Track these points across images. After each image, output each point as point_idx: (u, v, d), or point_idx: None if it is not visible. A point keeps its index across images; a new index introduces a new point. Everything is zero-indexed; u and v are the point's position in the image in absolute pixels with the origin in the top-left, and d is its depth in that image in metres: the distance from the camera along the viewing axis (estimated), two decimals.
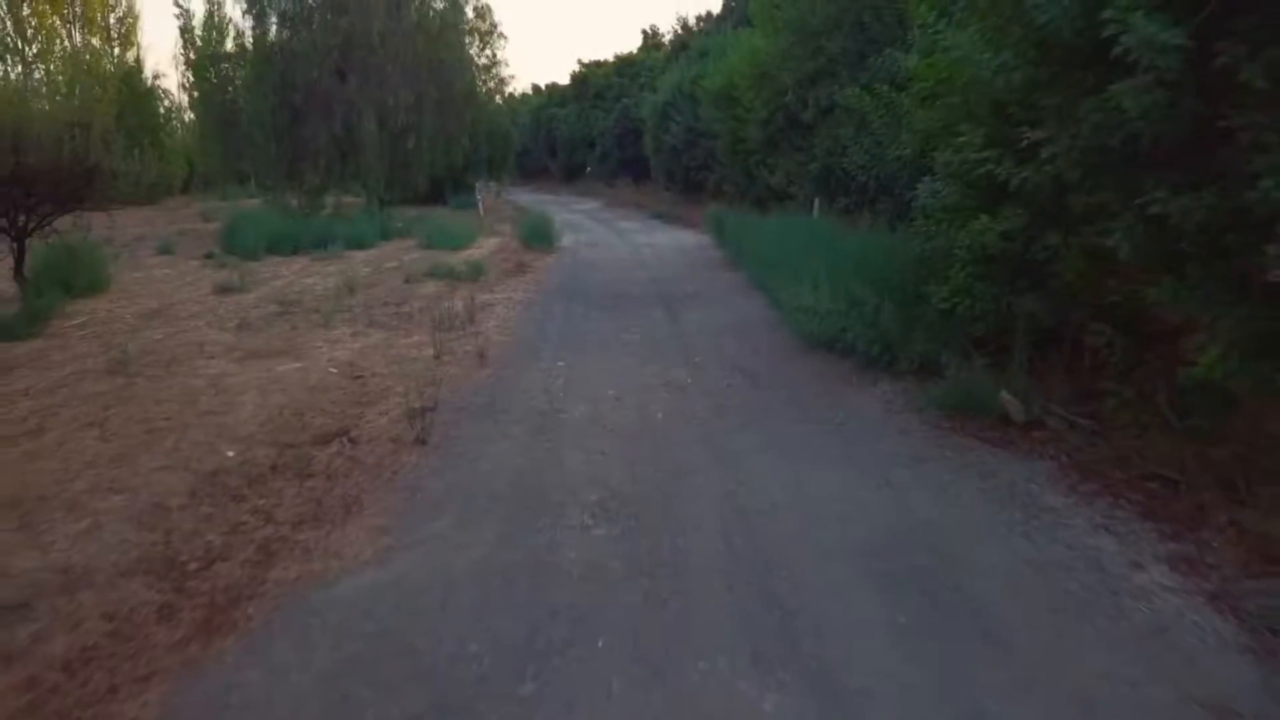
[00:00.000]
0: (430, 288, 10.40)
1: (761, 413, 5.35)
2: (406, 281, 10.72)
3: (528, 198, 37.08)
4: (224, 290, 10.19)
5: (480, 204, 26.17)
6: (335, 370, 6.21)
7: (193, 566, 3.20)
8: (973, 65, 4.09)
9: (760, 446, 4.68)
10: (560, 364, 6.70)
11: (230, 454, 4.38)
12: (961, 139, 4.38)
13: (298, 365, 6.28)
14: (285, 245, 14.99)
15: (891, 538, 3.51)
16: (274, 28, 19.80)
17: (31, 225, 9.47)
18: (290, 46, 19.16)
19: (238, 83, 20.68)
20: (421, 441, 4.73)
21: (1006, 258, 5.31)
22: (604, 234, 19.43)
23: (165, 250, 15.35)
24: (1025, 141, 3.68)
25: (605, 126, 36.55)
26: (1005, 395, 5.06)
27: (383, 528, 3.61)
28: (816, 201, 14.86)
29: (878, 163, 9.97)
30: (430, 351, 6.88)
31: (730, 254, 13.93)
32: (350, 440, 4.75)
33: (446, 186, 29.05)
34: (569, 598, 3.02)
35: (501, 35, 29.26)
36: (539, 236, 15.78)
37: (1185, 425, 4.12)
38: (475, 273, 11.29)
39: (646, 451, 4.62)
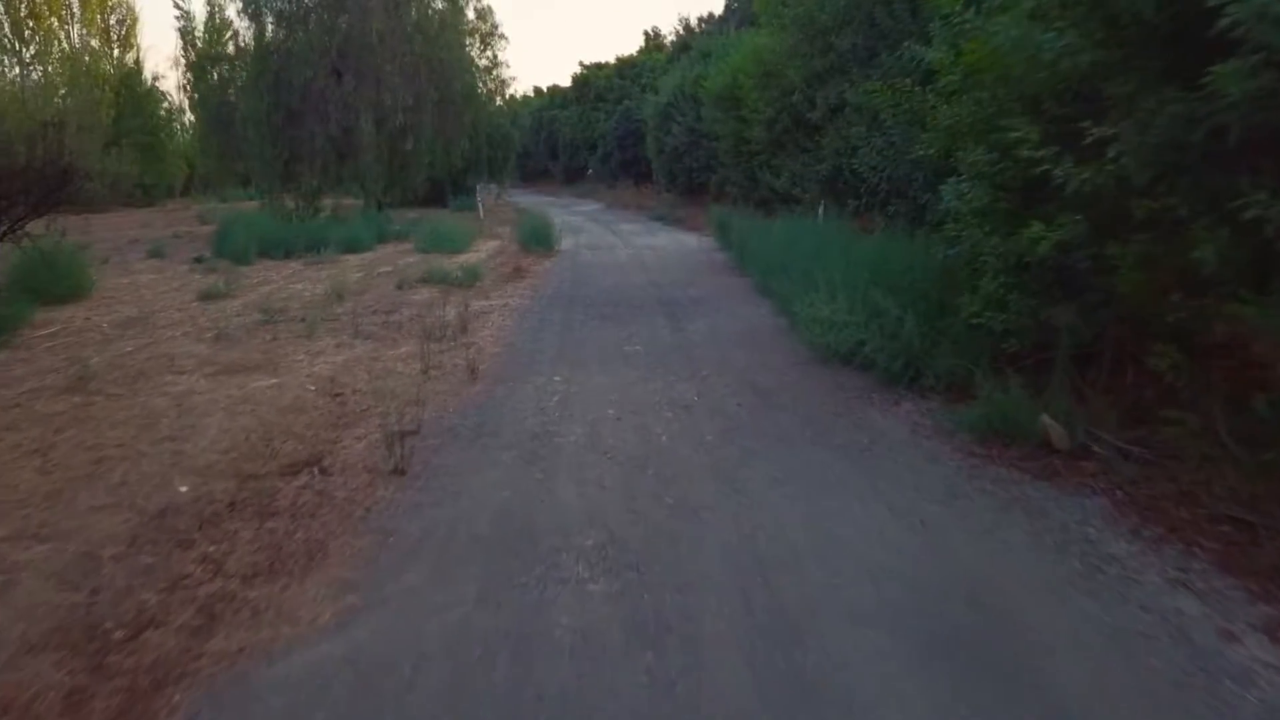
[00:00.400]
0: (423, 294, 9.94)
1: (776, 436, 4.87)
2: (399, 288, 10.25)
3: (529, 200, 36.69)
4: (208, 297, 9.74)
5: (480, 206, 25.71)
6: (313, 388, 5.74)
7: (118, 636, 2.73)
8: (1026, 51, 3.61)
9: (777, 478, 4.20)
10: (556, 379, 6.23)
11: (184, 489, 3.91)
12: (1014, 134, 3.89)
13: (273, 382, 5.81)
14: (278, 249, 14.58)
15: (934, 596, 3.03)
16: (270, 27, 19.36)
17: (2, 229, 9.01)
18: (286, 46, 18.73)
19: (236, 84, 20.20)
20: (400, 472, 4.25)
21: (1044, 267, 4.84)
22: (605, 236, 18.97)
23: (156, 254, 14.92)
24: (1089, 138, 3.20)
25: (606, 128, 36.21)
26: (1046, 419, 4.58)
27: (348, 582, 3.13)
28: (822, 204, 14.42)
29: (890, 163, 9.50)
30: (418, 365, 6.41)
31: (734, 257, 13.46)
32: (321, 470, 4.28)
33: (447, 188, 28.63)
34: (559, 678, 2.54)
35: (502, 36, 28.82)
36: (538, 239, 15.32)
37: (1259, 460, 3.65)
38: (471, 278, 10.83)
39: (650, 483, 4.14)
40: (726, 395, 5.75)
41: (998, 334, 5.13)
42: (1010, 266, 5.06)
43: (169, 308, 9.20)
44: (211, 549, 3.37)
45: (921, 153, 6.00)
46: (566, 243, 16.89)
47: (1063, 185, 3.56)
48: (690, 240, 17.84)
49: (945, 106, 5.75)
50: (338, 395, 5.62)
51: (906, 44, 7.34)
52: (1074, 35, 3.18)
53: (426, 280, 10.77)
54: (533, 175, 49.03)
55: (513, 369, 6.55)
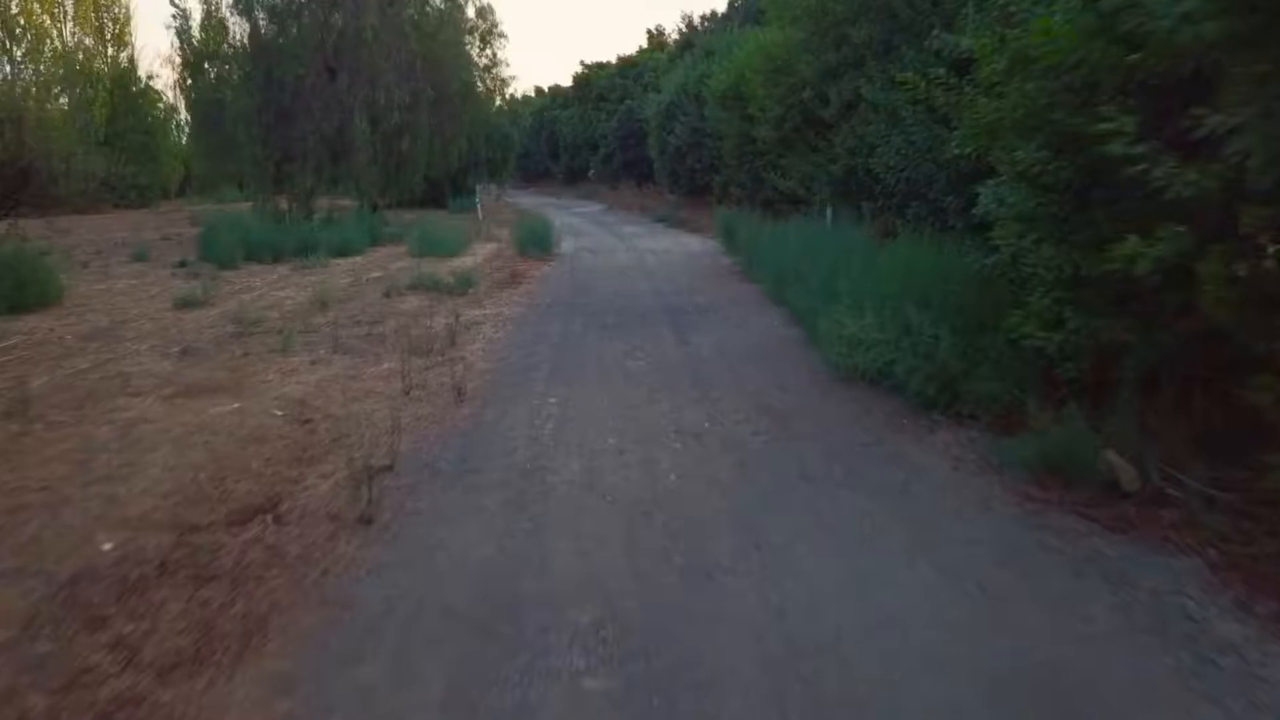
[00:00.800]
0: (412, 302, 9.35)
1: (800, 473, 4.28)
2: (386, 295, 9.66)
3: (529, 200, 36.14)
4: (185, 305, 9.15)
5: (479, 208, 25.12)
6: (280, 413, 5.15)
7: None
8: (1122, 25, 3.02)
9: (805, 528, 3.61)
10: (552, 400, 5.64)
11: (108, 545, 3.32)
12: (1103, 126, 3.29)
13: (236, 406, 5.22)
14: (266, 253, 13.99)
15: (1009, 698, 2.44)
16: (263, 24, 18.72)
17: None
18: (277, 43, 18.11)
19: (229, 82, 19.54)
20: (367, 521, 3.66)
21: (1106, 281, 4.25)
22: (606, 239, 18.40)
23: (140, 257, 14.34)
24: (1203, 130, 2.61)
25: (608, 128, 35.66)
26: (1111, 456, 3.98)
27: (286, 678, 2.54)
28: (830, 207, 13.83)
29: (909, 163, 8.90)
30: (400, 385, 5.82)
31: (742, 262, 12.88)
32: (276, 518, 3.69)
33: (446, 189, 28.06)
34: None
35: (502, 35, 28.21)
36: (536, 242, 14.72)
37: None
38: (464, 284, 10.23)
39: (657, 536, 3.55)
40: (740, 421, 5.16)
41: (1050, 356, 4.54)
42: (1064, 280, 4.47)
43: (141, 317, 8.62)
44: (128, 629, 2.78)
45: (957, 150, 5.40)
46: (566, 245, 16.31)
47: (1160, 188, 2.96)
48: (694, 243, 17.26)
49: (984, 100, 5.15)
50: (307, 422, 5.03)
51: (935, 33, 6.77)
52: (1197, 1, 2.58)
53: (416, 287, 10.17)
54: (534, 176, 48.51)
55: (504, 388, 5.96)
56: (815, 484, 4.13)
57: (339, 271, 12.33)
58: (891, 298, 5.82)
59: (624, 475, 4.25)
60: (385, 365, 6.45)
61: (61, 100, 30.50)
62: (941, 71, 5.48)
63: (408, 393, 5.71)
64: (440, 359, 6.73)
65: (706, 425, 5.08)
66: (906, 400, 5.35)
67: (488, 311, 8.99)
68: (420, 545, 3.47)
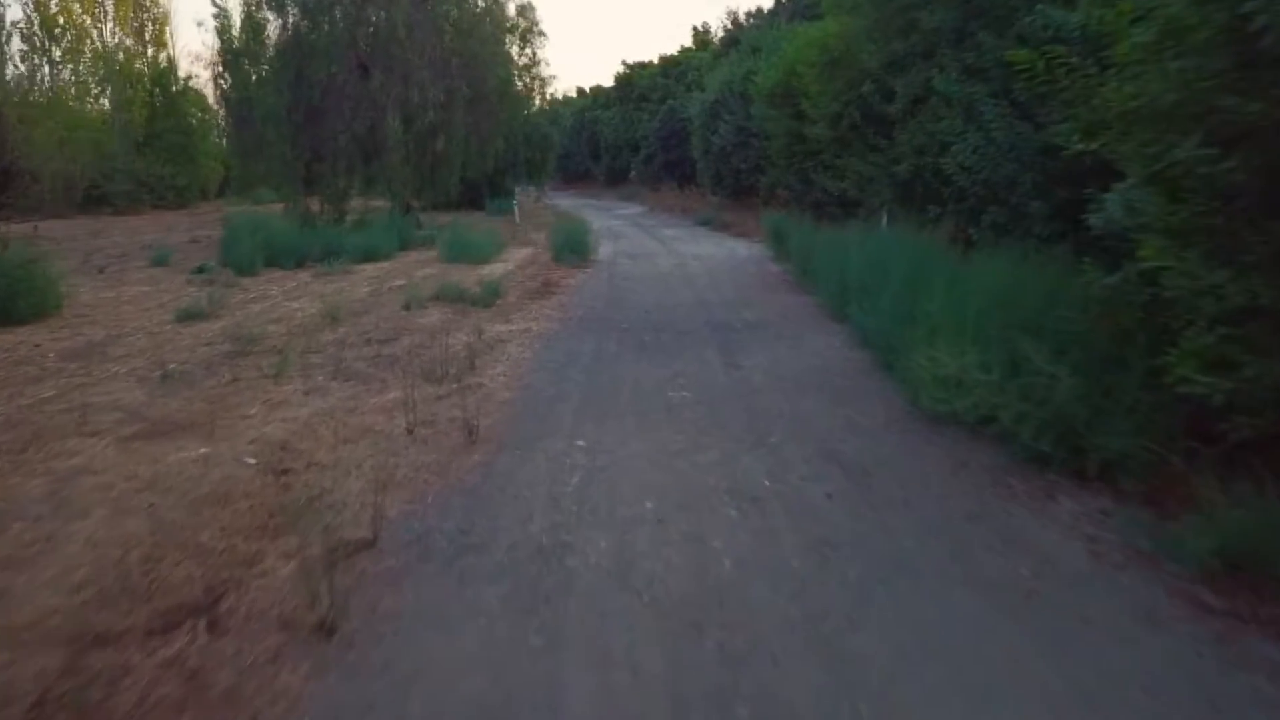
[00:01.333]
0: (433, 316, 8.51)
1: (893, 560, 3.32)
2: (406, 308, 8.83)
3: (568, 202, 35.44)
4: (188, 317, 8.43)
5: (516, 210, 24.39)
6: (254, 461, 4.31)
7: None
8: None
9: (911, 654, 2.65)
10: (579, 443, 4.73)
11: None
12: None
13: (202, 452, 4.39)
14: (289, 258, 13.29)
15: None
16: (293, 19, 18.12)
17: None
18: (309, 39, 17.47)
19: (262, 81, 18.98)
20: (328, 630, 2.78)
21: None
22: (646, 243, 17.49)
23: (160, 262, 13.77)
24: None
25: (649, 128, 34.80)
26: None
27: None
28: (886, 212, 12.81)
29: (989, 163, 7.87)
30: (404, 421, 4.97)
31: (794, 271, 11.89)
32: (211, 624, 2.82)
33: (484, 191, 27.40)
34: None
35: (542, 34, 27.43)
36: (572, 248, 13.83)
37: None
38: (491, 295, 9.38)
39: (711, 668, 2.61)
40: (808, 477, 4.20)
41: (1216, 406, 3.52)
42: (1234, 311, 3.46)
43: (139, 330, 7.90)
44: None
45: (1079, 145, 4.38)
46: (604, 250, 15.43)
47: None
48: (740, 248, 16.28)
49: (1115, 84, 4.14)
50: (284, 474, 4.17)
51: (1040, 6, 5.75)
52: None
53: (440, 298, 9.34)
54: (574, 177, 47.88)
55: (524, 425, 5.06)
56: (915, 579, 3.16)
57: (361, 279, 11.57)
58: (987, 324, 4.82)
59: (665, 560, 3.32)
60: (391, 394, 5.60)
61: (102, 100, 30.50)
62: (1060, 49, 4.46)
63: (411, 431, 4.85)
64: (455, 385, 5.87)
65: (767, 483, 4.13)
66: (1011, 453, 4.35)
67: (514, 327, 8.12)
68: (391, 673, 2.57)
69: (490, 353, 6.95)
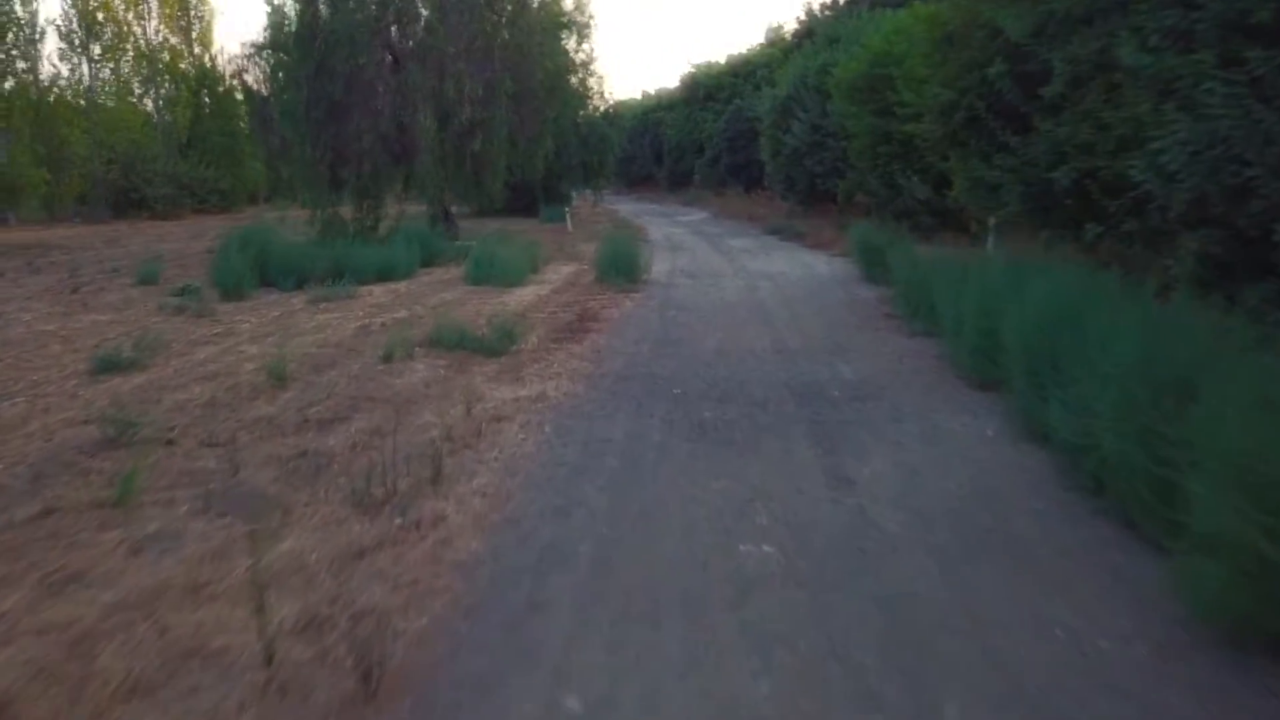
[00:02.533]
0: (418, 373, 6.30)
1: None
2: (386, 358, 6.64)
3: (629, 207, 33.28)
4: (107, 368, 6.40)
5: (568, 218, 22.29)
6: None
7: None
8: None
9: None
10: (570, 704, 2.43)
11: None
12: None
13: None
14: (288, 277, 11.32)
15: None
16: (321, 7, 16.21)
17: None
18: (331, 26, 15.51)
19: (289, 71, 17.15)
20: None
21: None
22: (709, 258, 15.13)
23: (148, 279, 11.92)
24: None
25: (715, 129, 32.42)
26: None
27: None
28: (993, 229, 10.30)
29: (1206, 168, 5.38)
30: (257, 641, 2.72)
31: (893, 297, 9.43)
32: None
33: (538, 195, 25.37)
34: None
35: (596, 27, 25.46)
36: (621, 268, 11.50)
37: None
38: (503, 339, 7.12)
39: None
40: None
41: None
42: None
43: (31, 390, 5.91)
44: None
45: None
46: (660, 266, 13.14)
47: None
48: (819, 264, 13.84)
49: None
50: None
51: None
52: None
53: (437, 341, 7.13)
54: (636, 180, 45.82)
55: (479, 636, 2.78)
56: None
57: (359, 308, 9.47)
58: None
59: None
60: (286, 544, 3.38)
61: (145, 101, 29.42)
62: None
63: (270, 660, 2.61)
64: (399, 521, 3.65)
65: None
66: None
67: (524, 392, 5.86)
68: None
69: (475, 445, 4.70)
